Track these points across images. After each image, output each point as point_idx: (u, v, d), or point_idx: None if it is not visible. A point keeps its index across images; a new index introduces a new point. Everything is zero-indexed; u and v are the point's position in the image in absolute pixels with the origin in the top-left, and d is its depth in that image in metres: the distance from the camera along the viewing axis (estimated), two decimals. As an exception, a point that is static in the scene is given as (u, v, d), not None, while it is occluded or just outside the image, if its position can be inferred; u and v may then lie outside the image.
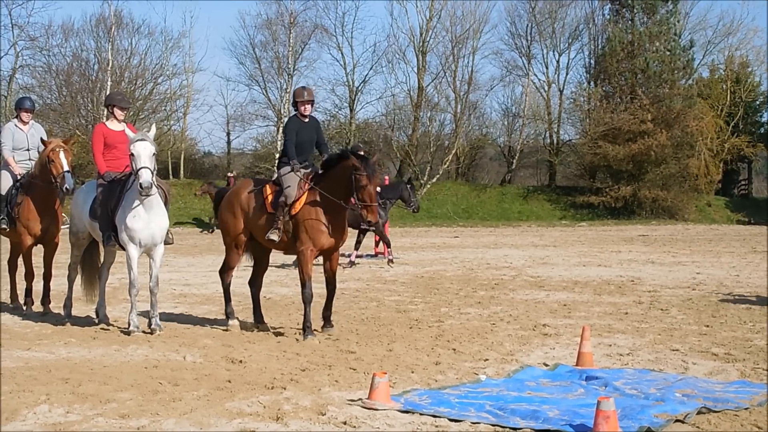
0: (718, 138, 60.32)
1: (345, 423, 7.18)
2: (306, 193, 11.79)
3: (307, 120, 12.48)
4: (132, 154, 11.49)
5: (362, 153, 12.50)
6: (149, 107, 56.39)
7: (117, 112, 12.69)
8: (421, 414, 7.43)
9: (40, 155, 13.43)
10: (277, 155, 56.46)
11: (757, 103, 66.82)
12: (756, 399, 7.88)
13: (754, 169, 71.70)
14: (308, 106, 12.52)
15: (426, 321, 12.90)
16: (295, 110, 12.56)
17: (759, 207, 60.40)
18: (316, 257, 11.96)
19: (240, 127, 62.87)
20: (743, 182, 69.63)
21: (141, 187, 11.36)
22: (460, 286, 17.52)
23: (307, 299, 11.68)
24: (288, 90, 58.87)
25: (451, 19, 61.13)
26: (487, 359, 10.07)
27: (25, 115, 14.25)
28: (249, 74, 61.04)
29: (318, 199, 11.67)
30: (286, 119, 51.37)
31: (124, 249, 12.04)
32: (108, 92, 51.33)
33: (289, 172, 12.06)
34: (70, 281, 13.14)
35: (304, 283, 11.73)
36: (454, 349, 10.59)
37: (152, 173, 11.54)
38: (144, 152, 11.49)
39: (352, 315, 13.58)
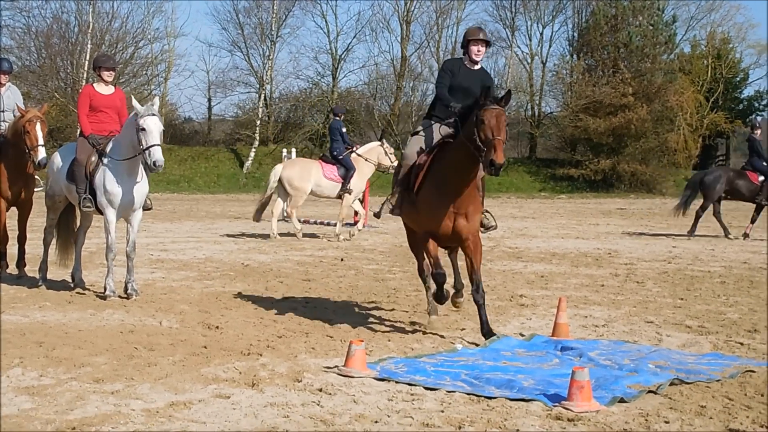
0: (698, 113, 60.43)
1: (321, 390, 7.19)
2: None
3: (477, 68, 10.11)
4: (143, 129, 11.34)
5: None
6: (130, 71, 56.06)
7: (104, 73, 12.57)
8: (396, 382, 7.45)
9: (15, 122, 13.24)
10: (258, 121, 56.67)
11: (737, 79, 66.98)
12: (728, 371, 7.93)
13: (732, 145, 71.93)
14: (482, 48, 10.09)
15: (404, 290, 12.92)
16: (464, 53, 10.08)
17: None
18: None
19: (221, 93, 62.76)
20: (721, 158, 69.86)
21: (155, 165, 11.29)
22: (438, 256, 17.51)
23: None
24: (270, 57, 58.66)
25: (436, -11, 60.94)
26: (464, 329, 10.11)
27: (2, 77, 14.10)
28: (231, 40, 60.87)
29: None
30: (268, 86, 50.61)
31: (101, 213, 11.99)
32: (88, 55, 51.13)
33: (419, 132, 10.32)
34: (46, 245, 13.08)
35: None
36: (431, 321, 10.59)
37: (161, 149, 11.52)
38: (156, 128, 11.39)
39: (329, 283, 13.58)
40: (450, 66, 10.17)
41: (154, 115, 11.49)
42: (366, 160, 21.81)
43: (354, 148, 21.95)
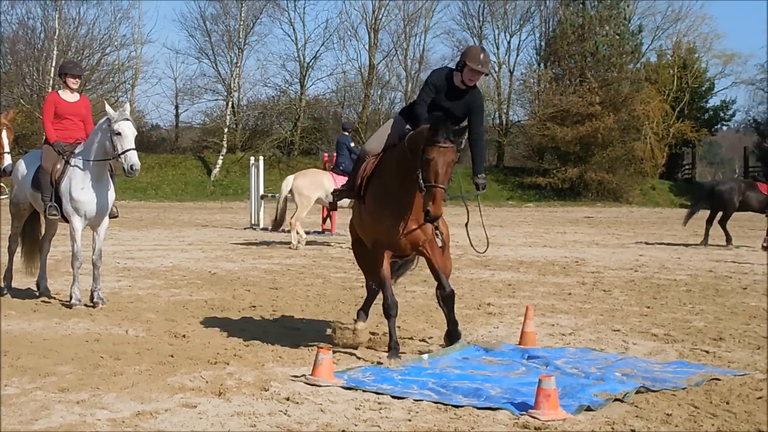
0: (664, 122, 60.82)
1: (288, 399, 7.16)
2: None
3: (464, 89, 9.06)
4: (118, 133, 11.35)
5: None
6: (97, 78, 55.92)
7: (70, 80, 12.49)
8: (364, 391, 7.44)
9: None
10: (226, 129, 56.51)
11: (703, 89, 67.51)
12: (693, 379, 7.97)
13: (698, 153, 72.51)
14: (478, 77, 9.08)
15: (371, 299, 12.89)
16: (459, 70, 9.01)
17: (702, 191, 60.94)
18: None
19: (189, 101, 62.66)
20: (687, 167, 70.41)
21: (132, 169, 11.30)
22: (405, 265, 17.53)
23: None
24: (238, 64, 58.56)
25: (404, -2, 61.10)
26: (431, 337, 10.11)
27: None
28: (199, 47, 60.91)
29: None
30: (236, 94, 50.58)
31: (67, 221, 11.92)
32: (54, 62, 50.85)
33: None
34: (11, 253, 12.98)
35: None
36: (399, 327, 10.54)
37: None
38: (131, 132, 11.45)
39: (297, 291, 13.55)
40: (436, 81, 9.01)
41: (128, 119, 11.49)
42: None
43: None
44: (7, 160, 12.65)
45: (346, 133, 22.78)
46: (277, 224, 21.92)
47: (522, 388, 7.49)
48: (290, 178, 21.91)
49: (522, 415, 6.75)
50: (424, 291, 13.71)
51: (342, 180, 21.33)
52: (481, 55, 8.96)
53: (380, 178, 9.00)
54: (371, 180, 9.12)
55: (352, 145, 22.08)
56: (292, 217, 21.55)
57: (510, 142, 63.95)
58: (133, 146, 11.41)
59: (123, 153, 11.33)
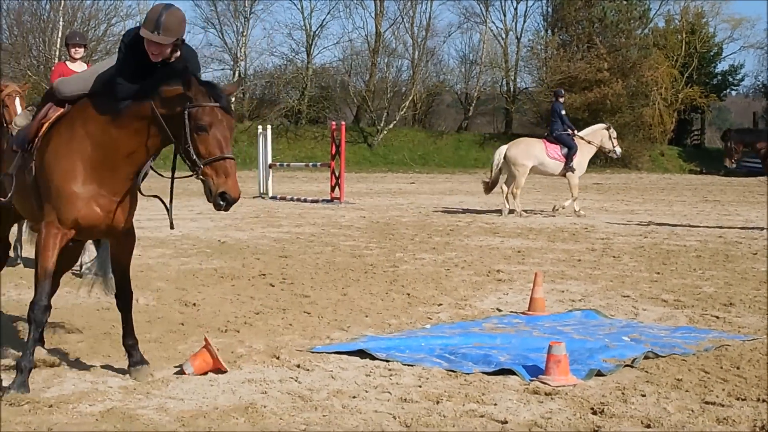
0: (673, 88, 60.64)
1: (298, 366, 7.17)
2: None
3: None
4: None
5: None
6: (103, 48, 55.65)
7: (73, 50, 12.52)
8: (374, 358, 7.45)
9: None
10: (233, 98, 56.39)
11: (711, 54, 67.22)
12: (702, 344, 7.96)
13: (707, 119, 72.28)
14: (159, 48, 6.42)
15: (381, 266, 12.92)
16: None
17: (711, 157, 60.87)
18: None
19: (196, 70, 62.29)
20: (696, 132, 70.24)
21: None
22: (415, 232, 17.56)
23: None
24: (244, 33, 58.39)
25: (410, -36, 60.80)
26: (441, 304, 10.11)
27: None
28: (205, 17, 60.82)
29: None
30: (242, 63, 50.58)
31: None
32: (60, 33, 50.77)
33: None
34: (20, 222, 12.99)
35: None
36: (408, 294, 10.62)
37: None
38: None
39: (306, 259, 13.57)
40: (131, 43, 6.55)
41: None
42: (588, 142, 22.15)
43: (573, 132, 22.43)
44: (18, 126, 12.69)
45: (559, 101, 22.82)
46: (489, 188, 22.77)
47: (531, 354, 7.49)
48: (503, 147, 22.59)
49: (532, 380, 6.76)
50: (433, 258, 13.73)
51: (554, 147, 21.70)
52: (163, 17, 6.37)
53: (74, 129, 6.56)
54: (58, 129, 6.68)
55: (563, 113, 22.18)
56: (510, 187, 22.16)
57: (518, 109, 63.79)
58: None
59: None
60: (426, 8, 62.16)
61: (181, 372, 6.91)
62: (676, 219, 20.80)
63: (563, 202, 22.74)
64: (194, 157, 6.22)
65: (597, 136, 22.82)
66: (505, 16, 63.53)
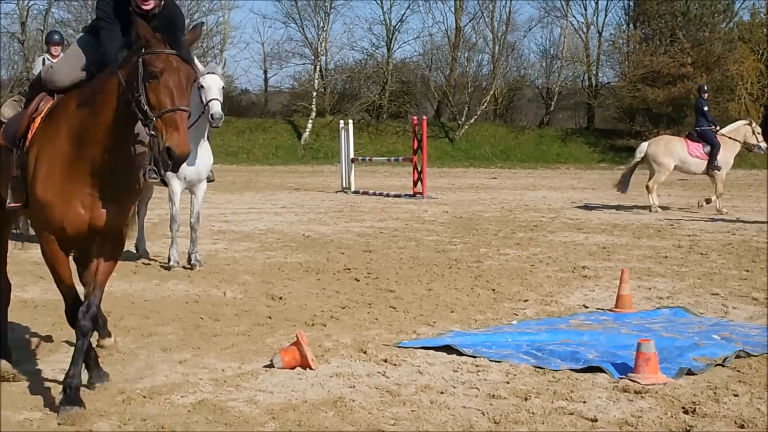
0: (759, 82, 59.46)
1: (386, 361, 7.21)
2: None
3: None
4: (202, 86, 11.53)
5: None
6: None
7: (52, 48, 13.07)
8: (461, 353, 7.44)
9: None
10: (314, 93, 56.73)
11: (800, 47, 65.86)
12: (797, 344, 7.82)
13: (795, 114, 70.84)
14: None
15: (465, 261, 12.89)
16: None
17: (800, 152, 59.53)
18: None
19: (277, 65, 62.95)
20: (783, 127, 68.88)
21: (213, 118, 11.50)
22: (498, 227, 17.49)
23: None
24: (325, 28, 58.63)
25: (490, -42, 60.51)
26: (526, 300, 10.05)
27: (54, 49, 14.42)
28: (286, 11, 61.09)
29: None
30: (323, 57, 50.82)
31: (165, 184, 12.07)
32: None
33: None
34: (110, 216, 13.19)
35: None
36: (494, 290, 10.59)
37: (222, 105, 11.60)
38: (214, 85, 11.61)
39: (390, 254, 13.59)
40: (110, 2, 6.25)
41: (213, 73, 11.69)
42: (731, 138, 22.14)
43: (716, 128, 22.30)
44: None
45: (704, 96, 22.76)
46: (621, 185, 22.75)
47: (619, 351, 7.42)
48: (644, 144, 22.77)
49: (621, 378, 6.71)
50: (517, 254, 13.66)
51: (696, 146, 21.69)
52: None
53: (59, 126, 6.04)
54: (44, 129, 6.18)
55: (706, 108, 22.12)
56: (649, 182, 22.16)
57: (600, 104, 63.07)
58: (216, 96, 11.58)
59: (207, 103, 11.49)
60: (506, 2, 62.11)
61: (270, 365, 6.97)
62: (765, 216, 20.42)
63: (706, 200, 22.27)
64: (145, 107, 5.51)
65: (740, 132, 22.44)
66: (585, 10, 62.92)
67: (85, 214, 5.94)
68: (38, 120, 6.22)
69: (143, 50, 5.54)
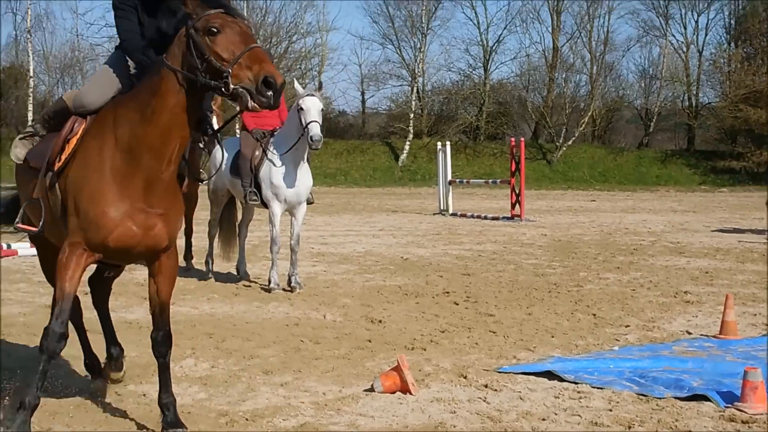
0: None
1: (486, 386, 7.17)
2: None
3: None
4: (301, 108, 11.67)
5: None
6: (284, 65, 56.99)
7: None
8: (562, 379, 7.37)
9: None
10: (411, 114, 56.87)
11: None
12: None
13: None
14: None
15: (565, 285, 12.78)
16: None
17: None
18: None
19: (374, 87, 63.27)
20: None
21: (312, 140, 11.57)
22: (598, 251, 17.30)
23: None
24: (422, 49, 58.80)
25: (587, -21, 60.13)
26: (628, 326, 9.92)
27: None
28: (383, 33, 61.46)
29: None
30: (420, 79, 51.06)
31: (265, 206, 12.22)
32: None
33: None
34: (211, 238, 13.41)
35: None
36: (594, 315, 10.47)
37: (320, 127, 11.70)
38: (313, 107, 11.71)
39: (489, 277, 13.54)
40: None
41: (312, 95, 11.78)
42: None
43: None
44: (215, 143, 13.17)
45: None
46: None
47: (725, 379, 7.29)
48: None
49: (728, 407, 6.57)
50: (617, 278, 13.51)
51: None
52: None
53: (104, 138, 5.72)
54: (85, 144, 5.85)
55: None
56: None
57: (700, 124, 62.12)
58: (315, 119, 11.66)
59: (307, 125, 11.59)
60: (604, 22, 61.40)
61: (371, 389, 6.99)
62: None
63: None
64: (217, 64, 5.25)
65: None
66: (685, 29, 62.07)
67: (138, 231, 5.65)
68: (74, 140, 5.89)
69: (189, 21, 5.38)
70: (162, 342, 5.92)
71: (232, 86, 5.17)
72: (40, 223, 6.02)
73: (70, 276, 5.59)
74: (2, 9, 54.96)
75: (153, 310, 5.96)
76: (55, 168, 5.85)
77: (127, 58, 6.01)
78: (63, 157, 5.85)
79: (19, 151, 6.43)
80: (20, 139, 6.50)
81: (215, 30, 5.27)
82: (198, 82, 5.35)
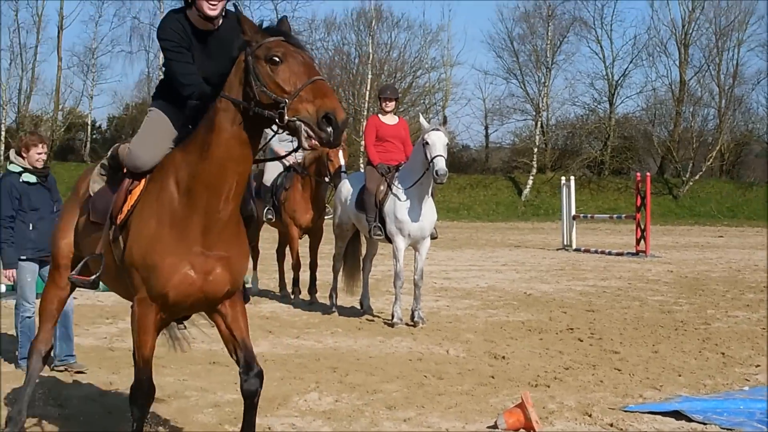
0: None
1: (611, 425, 7.08)
2: None
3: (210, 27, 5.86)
4: (427, 143, 11.73)
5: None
6: (408, 100, 57.42)
7: (384, 103, 13.01)
8: (690, 419, 7.23)
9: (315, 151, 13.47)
10: (535, 149, 56.60)
11: None
12: None
13: None
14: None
15: (692, 323, 12.53)
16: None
17: None
18: None
19: (498, 121, 63.08)
20: None
21: (437, 174, 11.60)
22: (726, 288, 16.92)
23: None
24: (546, 83, 58.55)
25: (715, 11, 59.28)
26: (758, 365, 9.66)
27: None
28: (507, 67, 61.31)
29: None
30: (544, 113, 50.90)
31: (389, 241, 12.28)
32: (369, 85, 53.03)
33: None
34: (335, 272, 13.53)
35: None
36: (723, 353, 10.24)
37: (445, 161, 11.75)
38: (438, 141, 11.75)
39: (614, 314, 13.35)
40: (173, 27, 5.78)
41: (437, 130, 11.82)
42: None
43: None
44: (344, 177, 13.37)
45: None
46: None
47: None
48: None
49: None
50: (747, 316, 13.19)
51: None
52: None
53: (165, 183, 5.55)
54: (147, 193, 5.68)
55: None
56: None
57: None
58: (441, 153, 11.67)
59: (432, 159, 11.62)
60: (733, 55, 60.28)
61: (494, 426, 6.95)
62: None
63: None
64: (274, 96, 4.99)
65: None
66: (818, 61, 60.56)
67: (197, 278, 5.39)
68: (136, 192, 5.70)
69: (248, 48, 5.14)
70: (254, 379, 5.56)
71: (287, 118, 4.93)
72: (95, 275, 5.93)
73: (147, 340, 5.50)
74: (2, 9, 56.21)
75: (236, 350, 5.64)
76: (118, 221, 5.68)
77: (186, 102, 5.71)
78: (125, 209, 5.67)
79: (95, 186, 6.14)
80: (98, 173, 6.19)
81: (277, 59, 5.02)
82: (250, 111, 5.13)
